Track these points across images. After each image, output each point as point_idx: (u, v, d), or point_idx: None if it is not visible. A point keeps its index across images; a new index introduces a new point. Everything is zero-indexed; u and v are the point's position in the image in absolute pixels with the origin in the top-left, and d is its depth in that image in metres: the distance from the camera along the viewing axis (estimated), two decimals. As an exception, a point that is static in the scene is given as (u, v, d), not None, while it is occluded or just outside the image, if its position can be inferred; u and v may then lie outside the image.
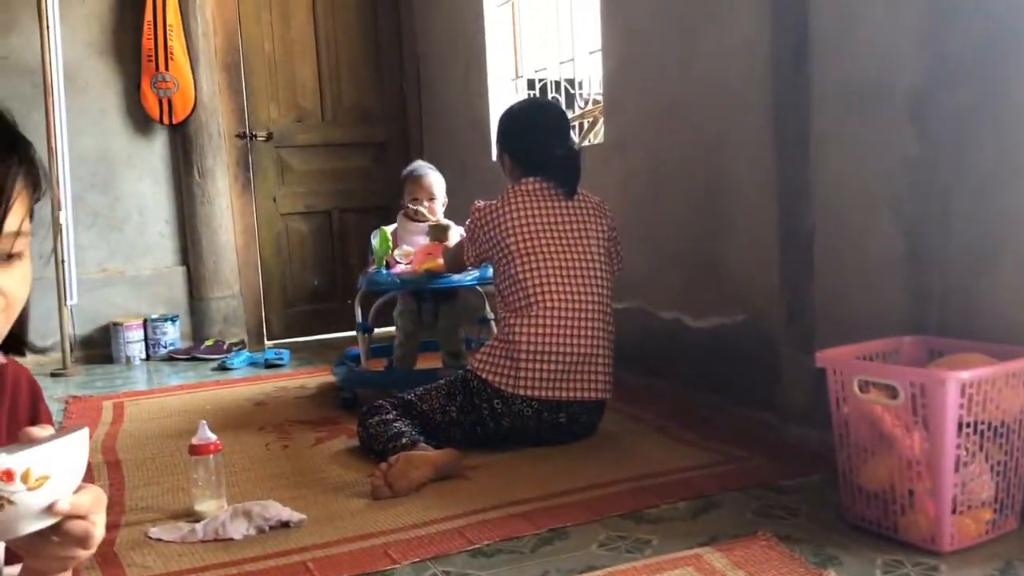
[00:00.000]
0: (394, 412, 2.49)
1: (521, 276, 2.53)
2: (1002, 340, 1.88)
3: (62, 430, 0.79)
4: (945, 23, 2.00)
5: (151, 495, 2.27)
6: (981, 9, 1.93)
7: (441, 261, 2.98)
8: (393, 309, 3.34)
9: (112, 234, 4.39)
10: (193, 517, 2.06)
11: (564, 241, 2.57)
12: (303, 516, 2.01)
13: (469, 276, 3.00)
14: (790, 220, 2.47)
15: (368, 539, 1.90)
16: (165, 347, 4.33)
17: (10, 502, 0.71)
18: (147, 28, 4.25)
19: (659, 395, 3.00)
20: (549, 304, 2.49)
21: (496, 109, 4.04)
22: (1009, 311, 1.91)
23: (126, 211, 4.40)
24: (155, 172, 4.44)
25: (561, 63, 3.97)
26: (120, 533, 2.00)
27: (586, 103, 3.95)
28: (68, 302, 4.04)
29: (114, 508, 2.12)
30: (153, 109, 4.30)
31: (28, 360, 0.96)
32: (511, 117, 2.75)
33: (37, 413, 0.95)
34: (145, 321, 4.34)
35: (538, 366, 2.46)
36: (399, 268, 3.14)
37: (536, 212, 2.58)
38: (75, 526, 0.76)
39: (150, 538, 1.96)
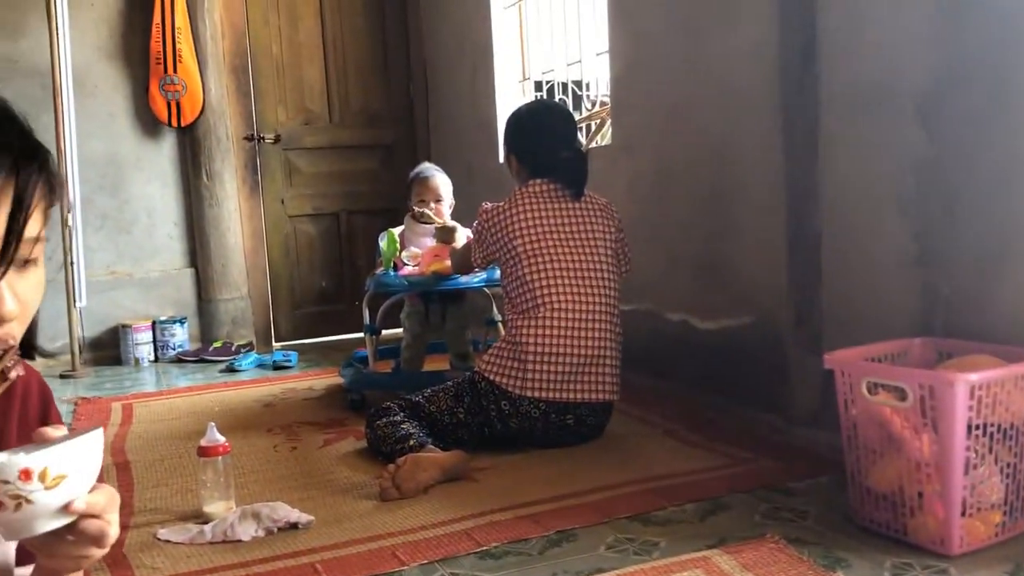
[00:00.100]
0: (402, 414, 2.49)
1: (528, 278, 2.53)
2: (1011, 342, 1.88)
3: (76, 431, 0.79)
4: (953, 24, 2.00)
5: (160, 496, 2.28)
6: (990, 10, 1.92)
7: (448, 263, 2.99)
8: (401, 311, 3.35)
9: (121, 236, 4.41)
10: (202, 518, 2.06)
11: (571, 243, 2.57)
12: (311, 517, 2.02)
13: (476, 278, 3.00)
14: (798, 222, 2.46)
15: (376, 541, 1.90)
16: (173, 349, 4.34)
17: (28, 501, 0.72)
18: (155, 31, 4.27)
19: (667, 397, 3.00)
20: (556, 306, 2.49)
21: (503, 111, 4.05)
22: (1018, 313, 1.90)
23: (135, 213, 4.42)
24: (163, 175, 4.46)
25: (568, 65, 3.96)
26: (129, 534, 2.01)
27: (593, 105, 3.95)
28: (77, 304, 4.06)
29: (123, 509, 2.12)
30: (161, 112, 4.32)
31: (37, 362, 0.97)
32: (518, 119, 2.75)
33: (48, 416, 0.96)
34: (153, 323, 4.35)
35: (545, 368, 2.46)
36: (407, 270, 3.14)
37: (543, 214, 2.58)
38: (90, 525, 0.77)
39: (159, 539, 1.97)
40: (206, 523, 2.00)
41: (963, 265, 2.02)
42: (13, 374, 0.85)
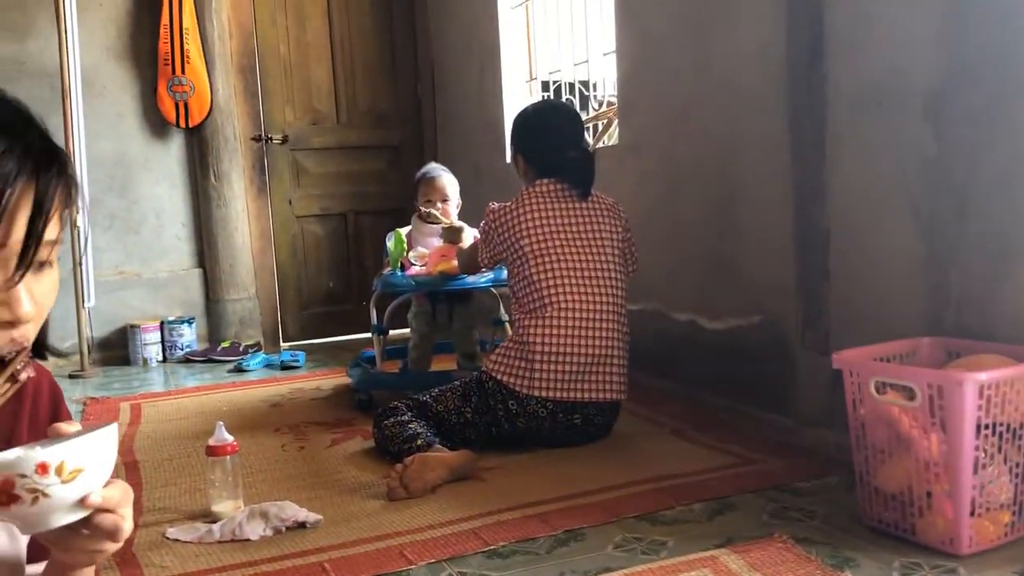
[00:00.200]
0: (409, 413, 2.49)
1: (535, 277, 2.53)
2: (1020, 341, 1.87)
3: (90, 426, 0.80)
4: (961, 23, 1.99)
5: (168, 496, 2.28)
6: (997, 9, 1.92)
7: (455, 263, 2.99)
8: (408, 311, 3.35)
9: (129, 237, 4.42)
10: (210, 518, 2.07)
11: (578, 242, 2.57)
12: (319, 517, 2.02)
13: (483, 278, 3.01)
14: (805, 221, 2.46)
15: (384, 540, 1.90)
16: (182, 349, 4.36)
17: (44, 495, 0.73)
18: (163, 32, 4.28)
19: (674, 397, 3.00)
20: (563, 305, 2.49)
21: (510, 111, 4.05)
22: (1027, 312, 1.90)
23: (143, 214, 4.44)
24: (171, 175, 4.48)
25: (575, 65, 3.96)
26: (138, 533, 2.02)
27: (600, 105, 3.95)
28: (86, 304, 4.07)
29: (133, 508, 2.14)
30: (169, 112, 4.33)
31: (48, 361, 0.97)
32: (525, 119, 2.76)
33: (58, 416, 0.96)
34: (162, 323, 4.37)
35: (553, 367, 2.46)
36: (414, 270, 3.15)
37: (550, 213, 2.58)
38: (105, 519, 0.78)
39: (168, 538, 1.97)
40: (214, 522, 2.01)
41: (972, 264, 2.01)
42: (24, 376, 0.85)
